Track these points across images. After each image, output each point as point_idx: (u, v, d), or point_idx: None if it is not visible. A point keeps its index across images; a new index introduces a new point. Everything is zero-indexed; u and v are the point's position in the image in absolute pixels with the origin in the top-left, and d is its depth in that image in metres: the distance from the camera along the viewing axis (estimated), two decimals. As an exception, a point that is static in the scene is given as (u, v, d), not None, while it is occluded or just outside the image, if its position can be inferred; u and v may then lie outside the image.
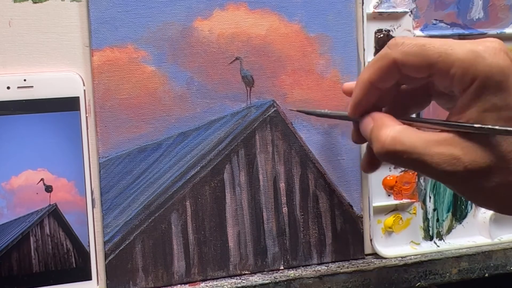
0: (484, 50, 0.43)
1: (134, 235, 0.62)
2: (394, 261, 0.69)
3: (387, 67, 0.47)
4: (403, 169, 0.70)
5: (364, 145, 0.69)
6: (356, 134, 0.53)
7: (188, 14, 0.62)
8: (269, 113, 0.66)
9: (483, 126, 0.44)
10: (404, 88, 0.52)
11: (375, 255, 0.70)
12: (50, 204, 0.59)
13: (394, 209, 0.71)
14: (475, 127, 0.44)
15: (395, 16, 0.69)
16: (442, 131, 0.46)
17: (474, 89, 0.44)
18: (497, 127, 0.44)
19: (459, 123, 0.45)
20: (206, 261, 0.64)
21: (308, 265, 0.67)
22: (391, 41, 0.47)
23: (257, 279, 0.64)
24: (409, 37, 0.47)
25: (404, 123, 0.49)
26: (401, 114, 0.52)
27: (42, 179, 0.59)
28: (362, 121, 0.51)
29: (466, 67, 0.43)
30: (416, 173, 0.71)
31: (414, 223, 0.72)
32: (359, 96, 0.50)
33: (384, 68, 0.47)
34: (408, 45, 0.46)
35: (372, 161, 0.55)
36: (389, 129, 0.47)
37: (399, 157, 0.47)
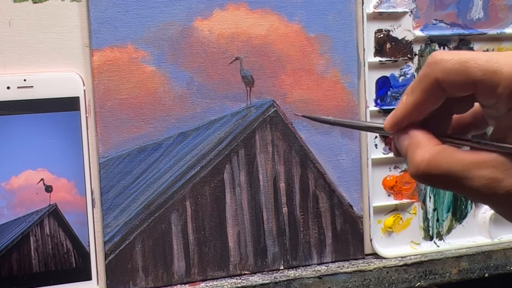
0: None
1: (134, 235, 0.62)
2: (394, 261, 0.69)
3: (431, 88, 0.44)
4: (403, 169, 0.70)
5: (364, 146, 0.69)
6: (396, 148, 0.49)
7: (188, 14, 0.62)
8: (269, 113, 0.66)
9: None
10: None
11: (375, 255, 0.70)
12: (50, 204, 0.59)
13: (394, 209, 0.71)
14: None
15: (395, 16, 0.69)
16: (483, 150, 0.43)
17: None
18: None
19: (506, 146, 0.42)
20: (206, 261, 0.64)
21: (308, 265, 0.67)
22: (429, 59, 0.43)
23: (257, 279, 0.64)
24: (449, 52, 0.43)
25: (443, 142, 0.45)
26: (443, 121, 0.48)
27: (42, 179, 0.59)
28: (398, 138, 0.48)
29: None
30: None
31: (414, 223, 0.72)
32: (402, 118, 0.46)
33: (428, 90, 0.44)
34: (448, 62, 0.42)
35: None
36: (424, 150, 0.44)
37: (435, 181, 0.44)
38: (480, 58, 0.41)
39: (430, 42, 0.71)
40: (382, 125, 0.48)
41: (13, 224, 0.58)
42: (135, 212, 0.62)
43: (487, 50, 0.74)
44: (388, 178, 0.70)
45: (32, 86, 0.58)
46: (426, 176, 0.44)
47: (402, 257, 0.70)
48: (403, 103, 0.46)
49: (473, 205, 0.75)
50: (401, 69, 0.70)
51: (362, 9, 0.68)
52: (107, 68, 0.60)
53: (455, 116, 0.47)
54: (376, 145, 0.69)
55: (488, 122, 0.47)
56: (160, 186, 0.63)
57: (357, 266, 0.67)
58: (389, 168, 0.71)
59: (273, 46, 0.65)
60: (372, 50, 0.69)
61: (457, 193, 0.47)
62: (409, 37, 0.70)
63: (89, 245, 0.60)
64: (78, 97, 0.60)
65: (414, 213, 0.72)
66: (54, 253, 0.59)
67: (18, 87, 0.58)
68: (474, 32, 0.73)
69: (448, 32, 0.72)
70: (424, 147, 0.45)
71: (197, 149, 0.64)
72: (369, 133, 0.69)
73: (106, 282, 0.61)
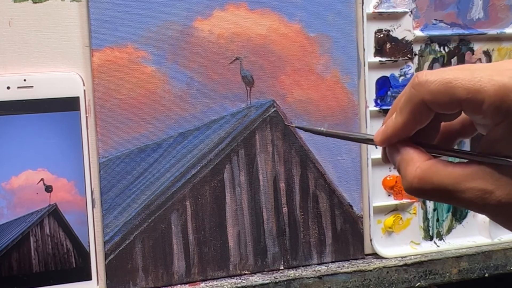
0: None
1: (134, 235, 0.62)
2: (394, 261, 0.69)
3: (418, 109, 0.45)
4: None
5: (364, 146, 0.69)
6: (385, 156, 0.51)
7: (188, 14, 0.62)
8: (269, 113, 0.66)
9: None
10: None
11: (375, 255, 0.70)
12: (50, 204, 0.59)
13: (394, 209, 0.71)
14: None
15: (395, 16, 0.69)
16: (472, 162, 0.44)
17: (507, 124, 0.42)
18: None
19: (496, 157, 0.43)
20: (206, 261, 0.64)
21: (308, 265, 0.67)
22: (414, 81, 0.45)
23: (257, 279, 0.64)
24: (433, 73, 0.45)
25: (433, 155, 0.46)
26: (432, 129, 0.50)
27: (42, 179, 0.59)
28: (389, 151, 0.49)
29: (498, 104, 0.41)
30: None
31: (414, 223, 0.72)
32: (392, 135, 0.48)
33: (415, 111, 0.45)
34: (433, 83, 0.43)
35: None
36: (416, 166, 0.46)
37: (428, 195, 0.46)
38: (463, 78, 0.42)
39: (430, 42, 0.71)
40: (373, 137, 0.49)
41: (13, 224, 0.58)
42: (135, 212, 0.62)
43: (487, 50, 0.74)
44: (388, 178, 0.70)
45: (32, 86, 0.58)
46: (419, 192, 0.45)
47: (402, 257, 0.70)
48: (392, 122, 0.48)
49: (473, 205, 0.75)
50: (401, 69, 0.71)
51: (362, 9, 0.68)
52: (107, 68, 0.60)
53: (443, 123, 0.48)
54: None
55: (479, 130, 0.48)
56: (160, 186, 0.63)
57: (357, 266, 0.67)
58: (389, 168, 0.71)
59: (273, 46, 0.65)
60: (372, 50, 0.69)
61: (452, 205, 0.47)
62: (409, 37, 0.70)
63: (89, 245, 0.60)
64: (78, 97, 0.60)
65: (414, 213, 0.72)
66: (54, 253, 0.59)
67: (18, 87, 0.58)
68: (474, 32, 0.73)
69: (448, 32, 0.72)
70: (415, 163, 0.46)
71: (197, 149, 0.64)
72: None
73: (106, 282, 0.61)
